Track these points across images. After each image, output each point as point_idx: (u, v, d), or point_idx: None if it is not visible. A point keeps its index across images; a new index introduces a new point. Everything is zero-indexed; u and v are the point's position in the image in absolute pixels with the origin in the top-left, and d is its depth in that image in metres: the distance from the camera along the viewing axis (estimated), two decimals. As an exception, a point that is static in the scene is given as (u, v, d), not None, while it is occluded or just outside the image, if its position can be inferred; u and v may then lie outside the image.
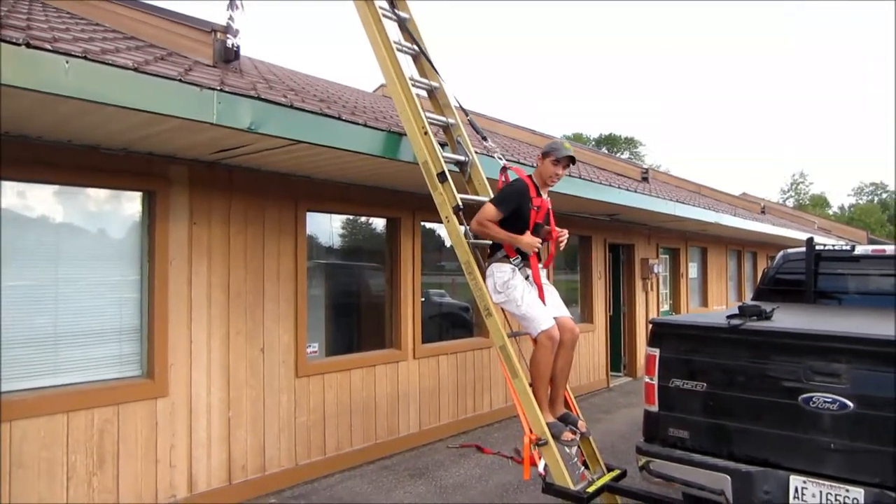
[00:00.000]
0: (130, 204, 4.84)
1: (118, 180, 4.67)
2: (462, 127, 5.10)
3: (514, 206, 4.25)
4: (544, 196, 4.43)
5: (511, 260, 4.28)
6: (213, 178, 5.18)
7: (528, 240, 4.21)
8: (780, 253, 6.02)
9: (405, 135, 4.87)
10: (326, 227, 6.53)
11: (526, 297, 4.17)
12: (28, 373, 4.26)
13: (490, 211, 4.24)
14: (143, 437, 4.70)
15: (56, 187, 4.45)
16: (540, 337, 4.11)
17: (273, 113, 4.15)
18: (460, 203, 4.49)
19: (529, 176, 4.45)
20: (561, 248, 4.44)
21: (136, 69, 3.44)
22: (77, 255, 4.57)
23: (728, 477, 3.71)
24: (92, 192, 4.65)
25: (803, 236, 13.81)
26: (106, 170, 4.56)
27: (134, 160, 4.70)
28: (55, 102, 3.33)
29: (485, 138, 5.13)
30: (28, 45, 3.05)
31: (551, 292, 4.39)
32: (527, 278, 4.30)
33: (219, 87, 3.82)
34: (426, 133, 4.65)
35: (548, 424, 4.04)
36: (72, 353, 4.49)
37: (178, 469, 4.90)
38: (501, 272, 4.26)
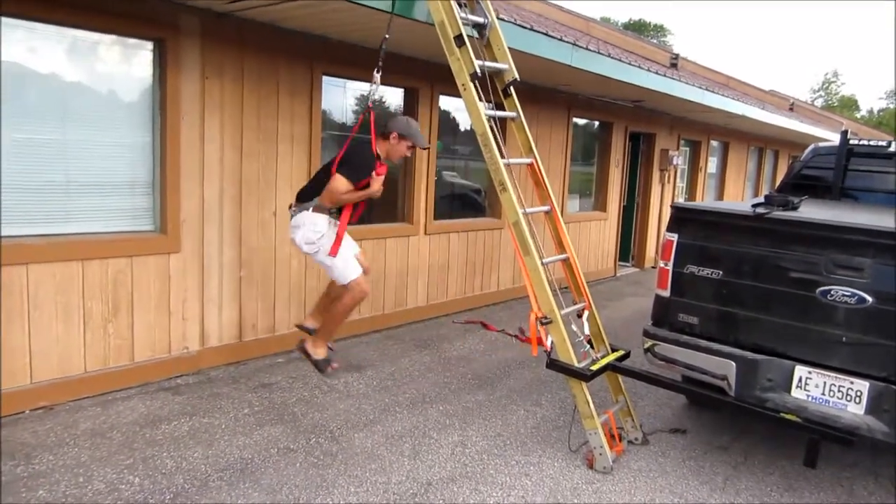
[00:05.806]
0: (141, 57, 4.64)
1: (126, 25, 4.44)
2: None
3: (364, 176, 4.22)
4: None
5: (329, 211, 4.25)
6: (226, 30, 4.92)
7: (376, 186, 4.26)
8: (811, 146, 5.79)
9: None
10: (340, 99, 6.31)
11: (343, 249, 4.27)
12: (39, 219, 4.24)
13: (343, 185, 4.12)
14: (157, 290, 4.77)
15: (66, 39, 4.26)
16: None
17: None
18: (478, 70, 4.25)
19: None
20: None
21: None
22: (90, 105, 4.44)
23: (733, 363, 3.75)
24: (104, 46, 4.46)
25: (829, 136, 13.42)
26: (113, 12, 4.32)
27: (144, 5, 4.45)
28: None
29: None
30: None
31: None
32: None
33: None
34: (442, -11, 4.33)
35: None
36: (84, 202, 4.47)
37: (191, 322, 5.00)
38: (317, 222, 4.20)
